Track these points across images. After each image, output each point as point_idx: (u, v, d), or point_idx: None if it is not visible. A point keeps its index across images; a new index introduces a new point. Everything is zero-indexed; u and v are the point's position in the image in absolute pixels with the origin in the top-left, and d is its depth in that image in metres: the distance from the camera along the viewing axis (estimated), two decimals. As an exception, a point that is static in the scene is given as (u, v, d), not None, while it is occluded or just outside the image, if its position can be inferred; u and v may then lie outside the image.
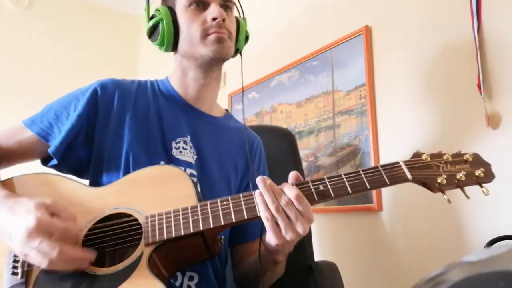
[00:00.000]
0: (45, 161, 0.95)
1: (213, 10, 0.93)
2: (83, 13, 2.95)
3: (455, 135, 1.20)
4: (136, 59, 3.15)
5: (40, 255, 0.68)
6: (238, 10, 1.07)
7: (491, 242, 0.90)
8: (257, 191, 0.74)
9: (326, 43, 1.64)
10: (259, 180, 0.73)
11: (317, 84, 1.67)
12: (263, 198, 0.72)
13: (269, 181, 0.73)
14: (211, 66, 0.97)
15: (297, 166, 1.27)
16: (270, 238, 0.73)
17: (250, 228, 0.98)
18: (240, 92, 2.03)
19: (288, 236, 0.71)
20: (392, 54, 1.41)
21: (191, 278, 0.88)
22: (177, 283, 0.86)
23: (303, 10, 1.83)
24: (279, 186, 0.74)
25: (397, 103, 1.37)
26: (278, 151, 1.16)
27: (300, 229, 0.71)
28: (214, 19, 0.92)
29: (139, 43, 3.18)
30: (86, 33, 2.92)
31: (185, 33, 0.95)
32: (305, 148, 1.66)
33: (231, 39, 0.97)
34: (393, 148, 1.37)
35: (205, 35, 0.93)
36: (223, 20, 0.93)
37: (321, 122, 1.63)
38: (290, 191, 0.72)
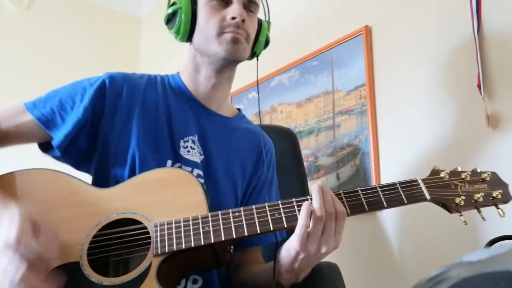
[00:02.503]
0: (44, 148, 0.93)
1: (234, 9, 0.89)
2: (83, 13, 2.95)
3: (455, 135, 1.20)
4: (136, 59, 3.15)
5: (4, 272, 0.65)
6: (264, 12, 1.02)
7: (491, 242, 0.90)
8: (315, 186, 0.75)
9: (326, 43, 1.64)
10: (318, 183, 0.75)
11: (317, 84, 1.67)
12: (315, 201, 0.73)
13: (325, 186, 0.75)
14: (224, 66, 0.93)
15: (299, 166, 1.27)
16: (294, 241, 0.73)
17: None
18: (240, 92, 2.03)
19: (313, 247, 0.72)
20: (392, 54, 1.41)
21: (195, 281, 0.87)
22: (181, 286, 0.85)
23: (303, 10, 1.83)
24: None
25: (397, 103, 1.37)
26: (280, 151, 1.16)
27: (325, 247, 0.73)
28: (233, 18, 0.88)
29: (139, 44, 3.17)
30: (86, 33, 2.92)
31: (202, 27, 0.91)
32: (305, 148, 1.66)
33: (248, 42, 0.93)
34: (393, 148, 1.37)
35: (221, 32, 0.89)
36: (243, 21, 0.89)
37: (321, 122, 1.63)
38: (339, 205, 0.74)
